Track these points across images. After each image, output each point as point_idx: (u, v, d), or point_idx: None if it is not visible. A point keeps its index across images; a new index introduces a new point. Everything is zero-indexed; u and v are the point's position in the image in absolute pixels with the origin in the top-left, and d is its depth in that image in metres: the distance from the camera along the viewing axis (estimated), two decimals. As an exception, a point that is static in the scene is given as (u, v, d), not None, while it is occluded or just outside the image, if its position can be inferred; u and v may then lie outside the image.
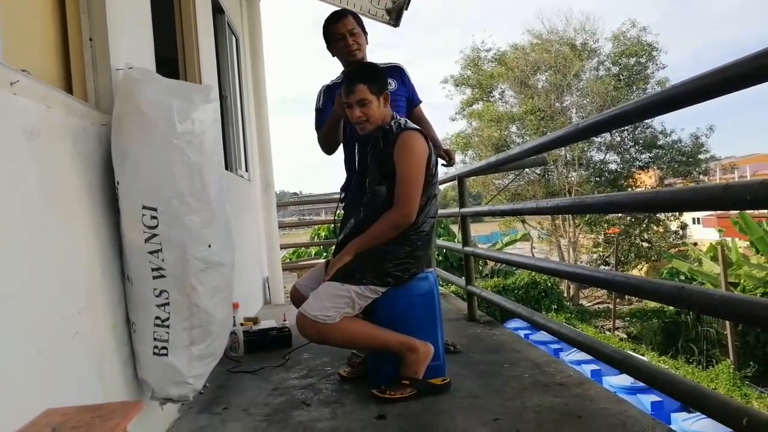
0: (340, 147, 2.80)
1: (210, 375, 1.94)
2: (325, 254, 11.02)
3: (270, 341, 3.18)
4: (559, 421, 1.95)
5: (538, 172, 19.14)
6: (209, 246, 1.75)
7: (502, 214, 4.60)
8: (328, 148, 2.76)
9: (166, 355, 1.72)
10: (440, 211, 3.11)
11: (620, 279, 2.11)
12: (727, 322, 10.31)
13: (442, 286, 5.21)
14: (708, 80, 1.39)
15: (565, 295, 16.42)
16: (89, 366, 1.51)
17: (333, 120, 2.62)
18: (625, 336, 13.47)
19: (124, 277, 1.76)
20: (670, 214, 18.72)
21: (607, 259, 18.82)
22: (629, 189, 18.26)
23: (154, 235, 1.66)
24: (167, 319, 1.71)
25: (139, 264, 1.69)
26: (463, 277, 3.98)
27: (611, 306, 14.89)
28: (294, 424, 2.06)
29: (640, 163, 19.75)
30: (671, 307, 12.04)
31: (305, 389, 2.45)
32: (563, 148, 18.32)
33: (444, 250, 12.29)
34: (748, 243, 13.00)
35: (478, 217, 5.00)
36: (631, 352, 2.95)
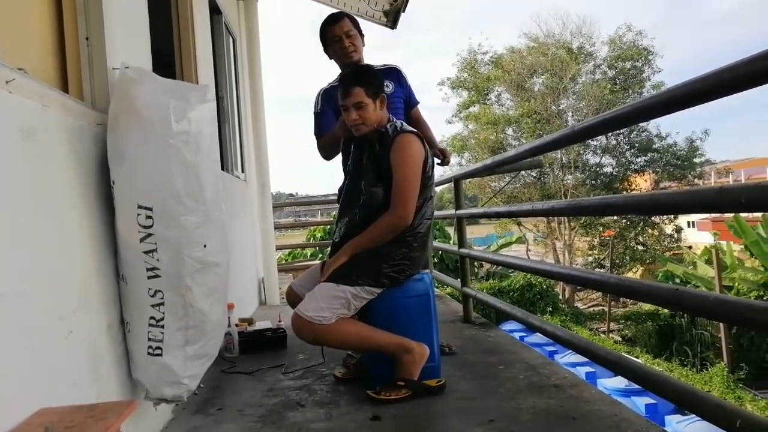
0: None
1: (205, 375, 1.94)
2: (320, 256, 11.01)
3: (265, 342, 3.18)
4: (553, 422, 1.95)
5: (534, 175, 19.19)
6: (204, 246, 1.75)
7: (498, 215, 4.61)
8: (327, 155, 2.76)
9: (161, 355, 1.72)
10: (436, 213, 3.12)
11: (615, 281, 2.12)
12: (721, 325, 10.36)
13: (437, 287, 5.21)
14: (704, 83, 1.39)
15: (561, 297, 16.45)
16: (83, 366, 1.51)
17: (333, 138, 2.62)
18: (620, 339, 13.50)
19: (118, 277, 1.76)
20: (665, 217, 18.80)
21: (602, 262, 18.87)
22: (624, 192, 18.31)
23: (150, 235, 1.66)
24: (162, 319, 1.70)
25: (134, 264, 1.69)
26: (459, 279, 3.98)
27: (606, 309, 14.93)
28: (288, 425, 2.05)
29: (636, 167, 19.82)
30: (666, 310, 12.10)
31: (300, 390, 2.45)
32: (559, 152, 18.38)
33: (440, 252, 12.31)
34: (742, 246, 13.06)
35: (474, 219, 5.01)
36: (625, 355, 2.96)
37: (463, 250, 3.86)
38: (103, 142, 1.71)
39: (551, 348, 7.77)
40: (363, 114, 2.31)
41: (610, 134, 18.64)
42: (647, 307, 13.30)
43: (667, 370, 9.56)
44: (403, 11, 5.14)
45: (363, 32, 2.74)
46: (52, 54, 1.71)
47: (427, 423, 2.04)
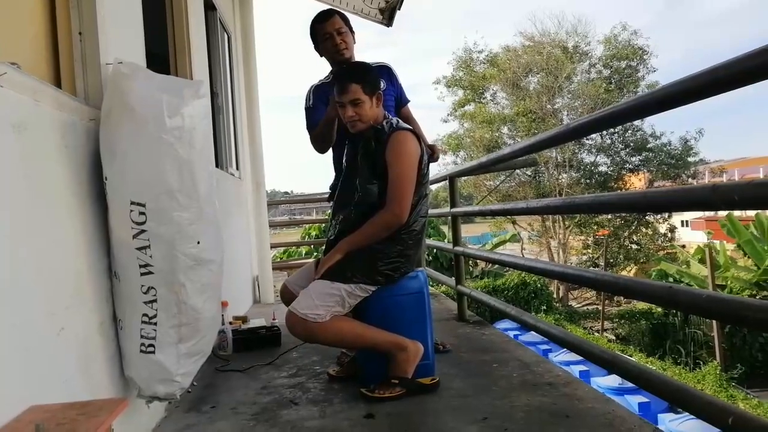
0: None
1: (198, 373, 1.93)
2: (315, 254, 11.00)
3: (259, 340, 3.17)
4: (547, 420, 1.95)
5: (529, 174, 19.25)
6: (198, 243, 1.74)
7: (493, 213, 4.62)
8: (321, 146, 2.75)
9: (153, 352, 1.71)
10: (431, 211, 3.11)
11: (609, 279, 2.12)
12: (714, 324, 10.41)
13: (432, 285, 5.22)
14: (698, 81, 1.39)
15: (555, 296, 16.51)
16: (75, 363, 1.50)
17: (327, 120, 2.61)
18: (614, 337, 13.56)
19: (111, 274, 1.75)
20: (659, 216, 18.89)
21: (596, 261, 18.95)
22: (619, 191, 18.40)
23: (142, 231, 1.65)
24: (155, 316, 1.69)
25: (127, 260, 1.68)
26: (453, 277, 3.98)
27: (600, 307, 14.98)
28: (282, 423, 2.05)
29: (630, 166, 19.91)
30: (659, 309, 12.15)
31: (294, 388, 2.44)
32: (554, 151, 18.44)
33: (434, 250, 12.31)
34: (735, 246, 13.13)
35: (468, 217, 5.02)
36: (619, 353, 2.98)
37: (458, 248, 3.86)
38: (95, 138, 1.70)
39: (545, 346, 7.81)
40: (359, 111, 2.31)
41: (605, 133, 18.72)
42: (641, 305, 13.36)
43: (661, 368, 9.61)
44: (399, 9, 5.12)
45: (354, 29, 2.74)
46: (44, 49, 1.70)
47: (420, 421, 2.03)
